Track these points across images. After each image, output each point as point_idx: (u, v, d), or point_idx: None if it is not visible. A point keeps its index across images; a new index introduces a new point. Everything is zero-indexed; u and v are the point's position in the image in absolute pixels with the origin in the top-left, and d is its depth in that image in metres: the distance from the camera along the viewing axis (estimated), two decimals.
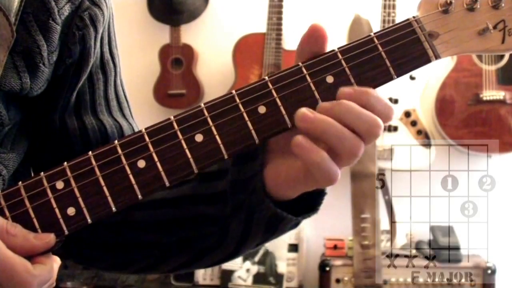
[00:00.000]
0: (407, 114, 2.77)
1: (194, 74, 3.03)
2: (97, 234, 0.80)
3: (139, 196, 0.65)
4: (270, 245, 2.83)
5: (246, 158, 0.72)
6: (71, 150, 0.82)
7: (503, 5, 0.69)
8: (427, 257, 2.71)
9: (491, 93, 2.71)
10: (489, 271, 2.61)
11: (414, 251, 2.80)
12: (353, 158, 0.65)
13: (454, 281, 2.64)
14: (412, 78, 2.76)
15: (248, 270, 2.81)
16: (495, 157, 2.85)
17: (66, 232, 0.64)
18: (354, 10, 2.78)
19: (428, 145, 2.76)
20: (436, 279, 2.64)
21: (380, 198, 2.78)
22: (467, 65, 2.77)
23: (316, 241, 2.94)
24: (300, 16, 3.01)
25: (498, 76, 2.72)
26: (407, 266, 2.68)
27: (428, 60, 0.68)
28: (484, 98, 2.71)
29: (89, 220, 0.65)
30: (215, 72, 3.08)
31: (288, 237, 2.88)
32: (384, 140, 2.76)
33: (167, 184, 0.65)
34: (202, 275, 2.85)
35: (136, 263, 0.85)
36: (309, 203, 0.75)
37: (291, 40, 2.94)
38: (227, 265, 2.81)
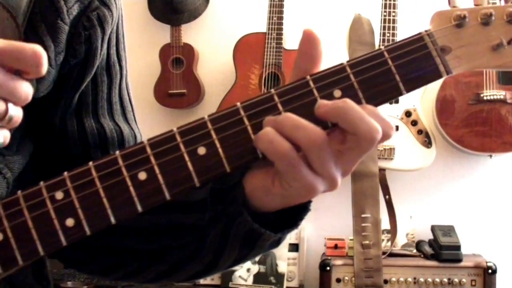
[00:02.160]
0: (408, 113, 2.77)
1: (195, 73, 3.03)
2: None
3: (139, 209, 0.64)
4: None
5: None
6: (69, 152, 0.81)
7: None
8: (427, 257, 2.71)
9: (491, 93, 2.71)
10: (490, 271, 2.61)
11: (414, 251, 2.80)
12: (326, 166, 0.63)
13: (455, 280, 2.64)
14: None
15: (248, 270, 2.81)
16: (495, 156, 2.85)
17: (65, 243, 0.63)
18: (354, 9, 2.78)
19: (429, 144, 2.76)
20: (437, 279, 2.64)
21: (381, 197, 2.77)
22: None
23: (316, 240, 2.94)
24: (301, 15, 3.01)
25: (498, 75, 2.72)
26: (407, 266, 2.68)
27: (439, 76, 0.66)
28: (485, 98, 2.71)
29: (88, 232, 0.64)
30: (216, 72, 3.08)
31: (288, 237, 2.86)
32: None
33: (168, 197, 0.64)
34: None
35: (117, 270, 0.83)
36: (293, 217, 0.72)
37: (291, 40, 2.94)
38: None
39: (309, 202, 0.71)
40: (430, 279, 2.64)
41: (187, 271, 0.80)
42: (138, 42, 3.16)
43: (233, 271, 2.81)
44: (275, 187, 0.66)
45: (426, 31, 0.67)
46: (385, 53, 0.66)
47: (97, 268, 0.86)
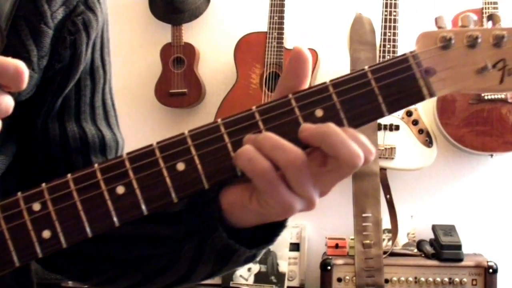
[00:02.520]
0: (409, 113, 2.77)
1: (196, 73, 3.03)
2: None
3: (116, 223, 0.64)
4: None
5: None
6: (51, 155, 0.81)
7: (504, 43, 0.65)
8: (428, 256, 2.71)
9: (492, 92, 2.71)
10: (491, 270, 2.61)
11: (415, 250, 2.80)
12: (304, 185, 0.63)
13: (456, 280, 2.64)
14: None
15: (249, 269, 2.81)
16: (496, 156, 2.85)
17: (40, 255, 0.63)
18: (355, 9, 2.78)
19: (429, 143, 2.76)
20: (438, 278, 2.64)
21: (382, 197, 2.77)
22: None
23: (317, 240, 2.94)
24: (302, 15, 3.01)
25: None
26: (408, 265, 2.68)
27: (422, 98, 0.65)
28: (486, 97, 2.71)
29: (64, 245, 0.63)
30: (217, 71, 3.08)
31: (289, 236, 2.88)
32: (385, 139, 2.76)
33: (145, 212, 0.64)
34: None
35: (93, 276, 0.83)
36: (269, 233, 0.72)
37: (292, 39, 2.94)
38: None
39: (285, 219, 0.71)
40: (431, 279, 2.64)
41: (161, 282, 0.80)
42: (139, 42, 3.17)
43: (234, 271, 2.81)
44: (252, 204, 0.65)
45: (411, 52, 0.66)
46: (369, 74, 0.65)
47: (74, 274, 0.86)
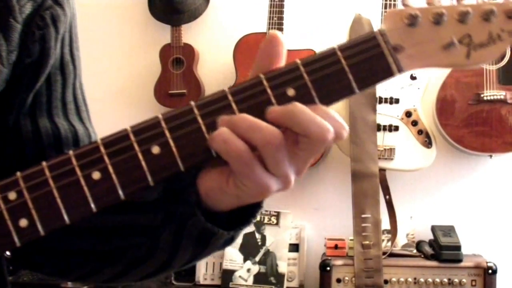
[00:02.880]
0: (408, 113, 2.77)
1: (195, 73, 3.03)
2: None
3: (94, 209, 0.64)
4: (271, 245, 2.84)
5: None
6: (23, 152, 0.80)
7: (469, 19, 0.67)
8: (428, 257, 2.71)
9: (492, 93, 2.71)
10: (490, 271, 2.61)
11: (415, 251, 2.80)
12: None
13: (455, 280, 2.64)
14: (413, 77, 2.76)
15: (249, 270, 2.81)
16: (496, 157, 2.85)
17: (18, 244, 0.63)
18: (355, 9, 2.78)
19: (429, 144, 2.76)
20: (437, 279, 2.64)
21: (381, 198, 2.78)
22: None
23: (317, 241, 2.94)
24: (301, 15, 3.01)
25: (499, 75, 2.72)
26: (408, 266, 2.68)
27: (391, 75, 0.67)
28: (485, 98, 2.71)
29: (42, 232, 0.63)
30: (216, 72, 3.08)
31: (289, 237, 2.88)
32: (385, 140, 2.76)
33: (122, 196, 0.64)
34: (203, 275, 2.85)
35: (73, 271, 0.83)
36: (246, 214, 0.72)
37: (292, 40, 2.94)
38: (228, 265, 2.81)
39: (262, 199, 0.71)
40: (430, 279, 2.64)
41: (142, 271, 0.80)
42: (138, 42, 3.17)
43: (234, 271, 2.81)
44: (229, 187, 0.66)
45: (379, 30, 0.67)
46: (338, 52, 0.66)
47: (52, 270, 0.85)
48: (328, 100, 0.65)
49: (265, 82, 0.65)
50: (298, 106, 0.63)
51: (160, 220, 0.73)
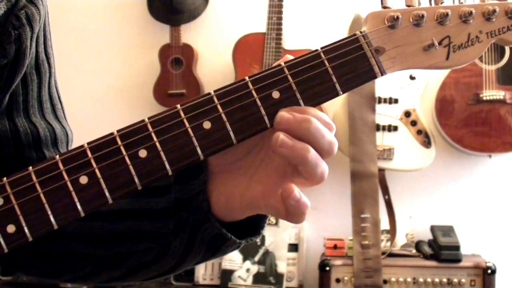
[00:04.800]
0: (407, 114, 2.77)
1: (194, 74, 3.03)
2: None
3: (81, 213, 0.63)
4: (270, 245, 2.84)
5: (188, 177, 0.71)
6: (2, 152, 0.80)
7: (448, 21, 0.68)
8: (427, 257, 2.71)
9: (491, 93, 2.71)
10: (489, 271, 2.61)
11: (414, 251, 2.80)
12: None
13: (454, 280, 2.64)
14: (412, 78, 2.76)
15: (248, 270, 2.81)
16: (495, 157, 2.85)
17: (6, 250, 0.62)
18: (354, 9, 2.78)
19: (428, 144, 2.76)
20: (436, 279, 2.65)
21: (380, 198, 2.78)
22: (467, 65, 2.76)
23: (316, 241, 2.94)
24: (300, 15, 3.01)
25: (498, 76, 2.72)
26: (407, 266, 2.68)
27: (374, 76, 0.68)
28: (484, 98, 2.72)
29: (29, 238, 0.63)
30: (215, 72, 3.08)
31: (288, 237, 2.88)
32: (384, 140, 2.76)
33: (110, 201, 0.64)
34: (202, 275, 2.85)
35: (68, 273, 0.83)
36: (251, 225, 0.73)
37: (291, 40, 2.94)
38: (227, 265, 2.81)
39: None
40: (429, 279, 2.64)
41: (145, 274, 0.80)
42: (137, 42, 3.16)
43: (233, 271, 2.81)
44: (246, 201, 0.68)
45: (361, 32, 0.68)
46: (322, 54, 0.67)
47: (45, 271, 0.84)
48: (313, 102, 0.66)
49: (250, 85, 0.66)
50: (309, 149, 0.64)
51: (172, 227, 0.73)
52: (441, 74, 2.78)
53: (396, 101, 2.77)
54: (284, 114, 0.65)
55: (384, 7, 0.69)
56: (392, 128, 2.76)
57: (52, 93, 0.86)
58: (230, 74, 2.97)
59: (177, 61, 3.03)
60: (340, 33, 2.80)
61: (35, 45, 0.81)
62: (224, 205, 0.70)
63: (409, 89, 2.77)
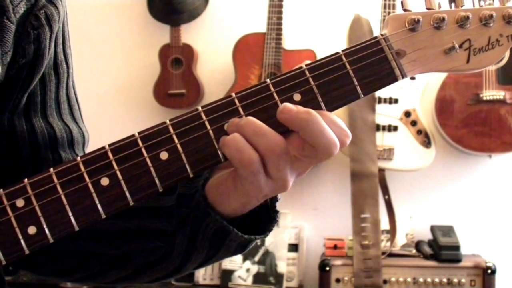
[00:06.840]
0: (407, 113, 2.77)
1: (194, 74, 3.03)
2: None
3: (103, 215, 0.63)
4: (270, 245, 2.84)
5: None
6: (18, 153, 0.80)
7: (469, 24, 0.68)
8: (427, 257, 2.71)
9: (491, 93, 2.71)
10: (489, 271, 2.61)
11: (414, 251, 2.80)
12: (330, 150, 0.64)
13: (454, 280, 2.64)
14: (412, 78, 2.76)
15: (248, 270, 2.81)
16: (495, 157, 2.85)
17: (27, 251, 0.62)
18: (354, 9, 2.78)
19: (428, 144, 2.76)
20: (436, 279, 2.65)
21: (380, 197, 2.78)
22: None
23: (316, 241, 2.94)
24: (300, 15, 3.01)
25: (498, 76, 2.72)
26: (407, 266, 2.68)
27: (395, 79, 0.68)
28: (484, 98, 2.72)
29: (50, 240, 0.63)
30: (215, 72, 3.08)
31: (288, 237, 2.88)
32: (384, 140, 2.76)
33: (131, 203, 0.64)
34: (202, 275, 2.85)
35: (78, 272, 0.83)
36: (263, 223, 0.73)
37: (291, 40, 2.94)
38: (227, 265, 2.81)
39: (276, 212, 0.72)
40: (429, 279, 2.64)
41: (151, 275, 0.80)
42: (137, 43, 3.16)
43: (233, 271, 2.81)
44: (230, 188, 0.67)
45: (382, 35, 0.68)
46: (343, 57, 0.67)
47: (55, 270, 0.84)
48: (333, 105, 0.66)
49: (271, 87, 0.66)
50: (313, 115, 0.63)
51: (175, 223, 0.73)
52: (441, 74, 2.78)
53: (396, 101, 2.77)
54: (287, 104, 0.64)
55: (405, 10, 0.69)
56: (392, 128, 2.76)
57: (70, 93, 0.86)
58: (230, 74, 2.97)
59: (177, 61, 3.03)
60: (340, 33, 2.80)
61: (54, 45, 0.80)
62: (216, 199, 0.69)
63: (409, 89, 2.77)
